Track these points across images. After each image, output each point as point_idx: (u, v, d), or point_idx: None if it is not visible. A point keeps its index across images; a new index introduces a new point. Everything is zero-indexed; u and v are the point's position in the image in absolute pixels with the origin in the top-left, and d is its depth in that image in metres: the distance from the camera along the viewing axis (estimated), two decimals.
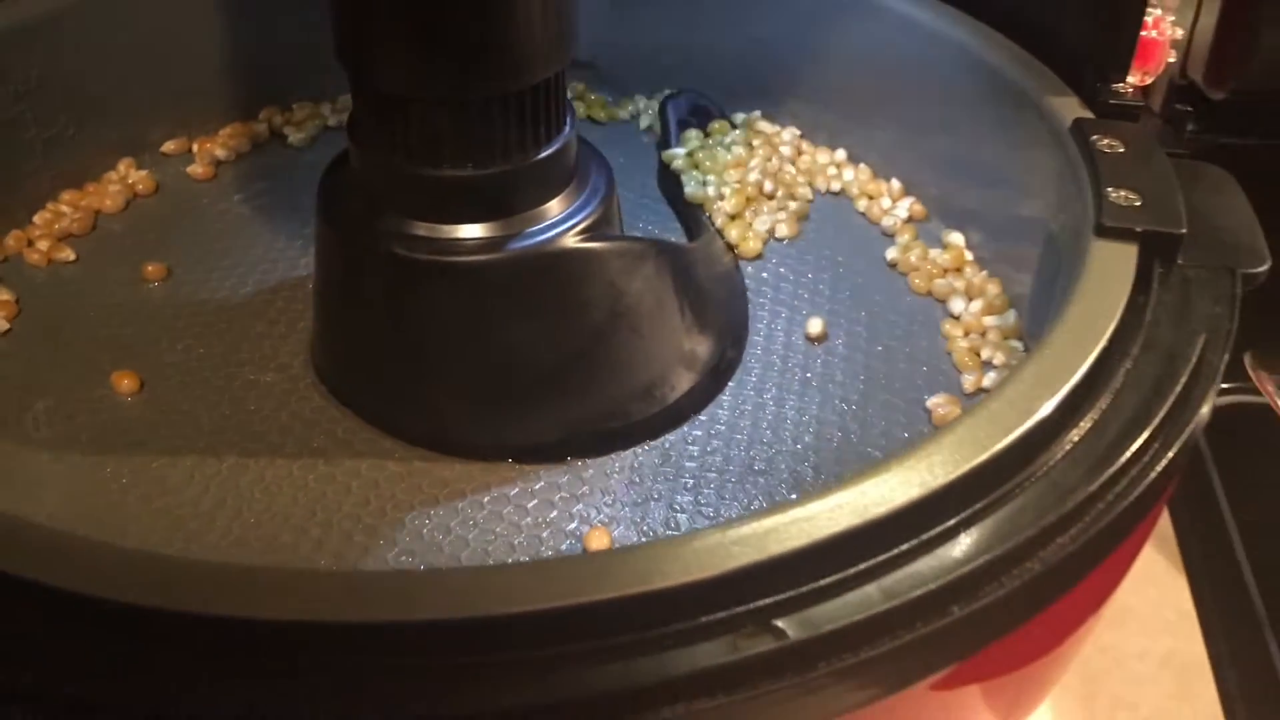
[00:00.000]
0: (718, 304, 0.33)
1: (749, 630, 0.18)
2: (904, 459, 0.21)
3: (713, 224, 0.37)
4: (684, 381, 0.31)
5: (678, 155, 0.40)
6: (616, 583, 0.18)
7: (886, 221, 0.37)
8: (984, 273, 0.35)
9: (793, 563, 0.19)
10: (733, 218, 0.37)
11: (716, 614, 0.18)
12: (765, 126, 0.42)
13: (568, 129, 0.29)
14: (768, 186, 0.38)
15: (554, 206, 0.30)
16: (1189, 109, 0.44)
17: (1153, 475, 0.22)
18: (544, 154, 0.29)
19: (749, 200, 0.38)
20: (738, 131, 0.41)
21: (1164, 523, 0.41)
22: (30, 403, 0.31)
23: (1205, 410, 0.23)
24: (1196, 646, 0.38)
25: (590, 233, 0.29)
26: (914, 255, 0.36)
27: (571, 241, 0.29)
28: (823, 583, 0.19)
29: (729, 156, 0.39)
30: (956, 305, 0.34)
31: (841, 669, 0.18)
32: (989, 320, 0.33)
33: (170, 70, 0.39)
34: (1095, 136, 0.29)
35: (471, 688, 0.18)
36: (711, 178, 0.38)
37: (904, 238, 0.37)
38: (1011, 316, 0.33)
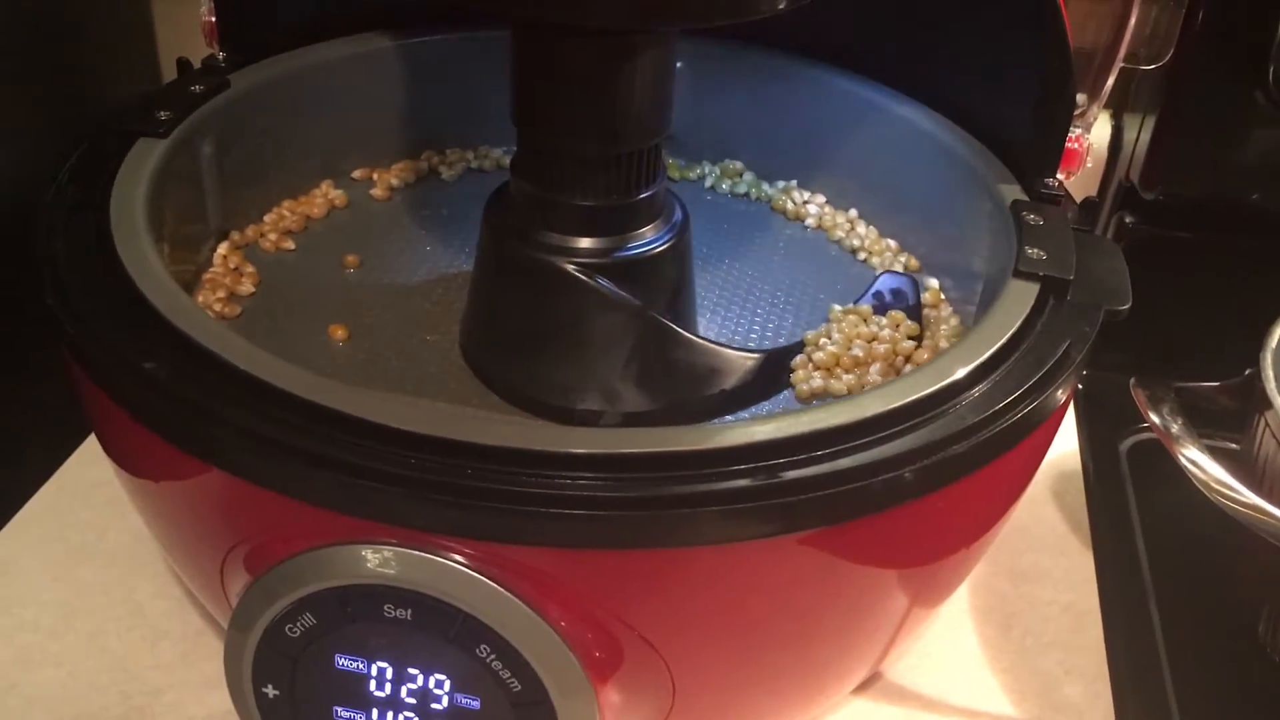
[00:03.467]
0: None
1: (763, 475, 0.31)
2: (866, 395, 0.34)
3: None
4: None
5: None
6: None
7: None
8: (950, 309, 0.48)
9: (797, 443, 0.32)
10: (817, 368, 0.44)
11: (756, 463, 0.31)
12: (797, 195, 0.55)
13: (661, 178, 0.43)
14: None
15: (648, 230, 0.43)
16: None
17: (1019, 417, 0.34)
18: (645, 194, 0.42)
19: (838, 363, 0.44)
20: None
21: (1082, 511, 0.54)
22: (271, 345, 0.44)
23: (1063, 387, 0.36)
24: (1093, 601, 0.50)
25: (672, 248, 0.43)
26: None
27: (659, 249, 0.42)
28: (813, 455, 0.32)
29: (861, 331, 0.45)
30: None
31: (810, 500, 0.31)
32: (947, 342, 0.46)
33: (360, 119, 0.53)
34: (1024, 213, 0.42)
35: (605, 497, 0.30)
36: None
37: None
38: None
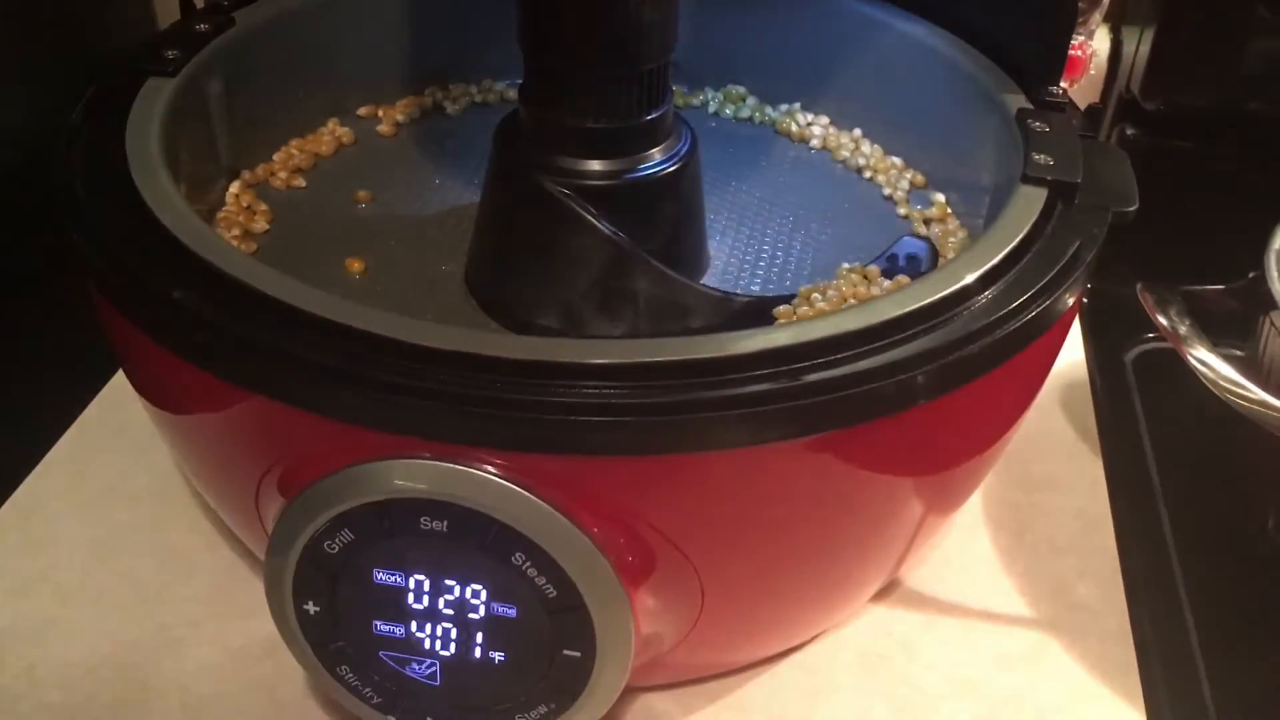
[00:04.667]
0: None
1: (784, 378, 0.32)
2: (880, 300, 0.34)
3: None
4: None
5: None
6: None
7: (896, 191, 0.51)
8: (958, 223, 0.49)
9: (815, 347, 0.32)
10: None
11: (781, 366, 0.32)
12: (801, 118, 0.55)
13: (668, 100, 0.43)
14: None
15: (656, 153, 0.43)
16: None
17: (1033, 316, 0.35)
18: (653, 115, 0.42)
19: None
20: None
21: (1089, 420, 0.55)
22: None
23: (1073, 287, 0.37)
24: (1103, 507, 0.51)
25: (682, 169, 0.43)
26: (912, 213, 0.49)
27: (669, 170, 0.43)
28: (831, 358, 0.33)
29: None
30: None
31: (829, 402, 0.32)
32: (954, 253, 0.47)
33: (364, 55, 0.53)
34: (1030, 120, 0.43)
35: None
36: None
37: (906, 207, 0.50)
38: None
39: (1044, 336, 0.37)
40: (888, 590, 0.47)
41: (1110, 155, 0.43)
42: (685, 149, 0.44)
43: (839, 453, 0.34)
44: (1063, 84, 0.45)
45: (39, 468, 0.50)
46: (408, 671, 0.35)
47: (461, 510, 0.32)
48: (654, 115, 0.42)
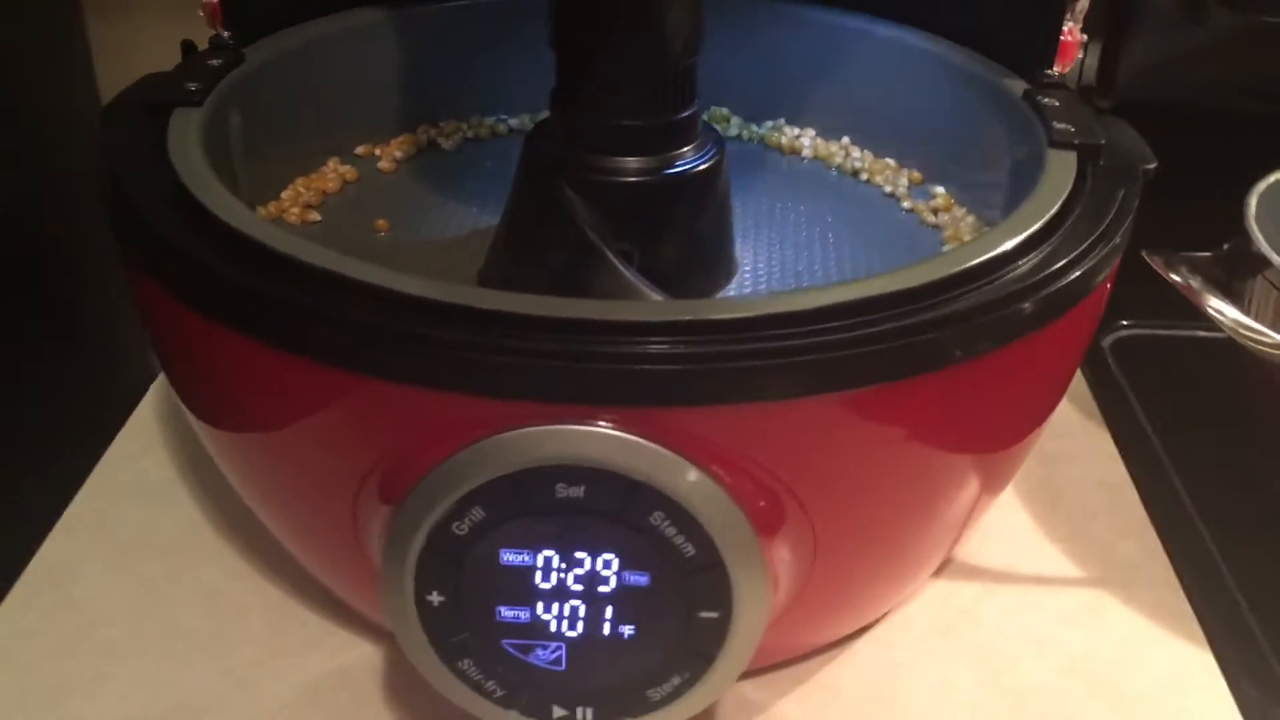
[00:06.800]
0: None
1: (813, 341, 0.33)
2: (916, 265, 0.35)
3: None
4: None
5: None
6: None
7: (897, 188, 0.53)
8: (964, 210, 0.51)
9: (858, 306, 0.33)
10: None
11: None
12: (789, 131, 0.57)
13: (697, 100, 0.44)
14: None
15: (689, 151, 0.44)
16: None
17: (1095, 263, 0.37)
18: (686, 114, 0.43)
19: None
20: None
21: (1088, 398, 0.57)
22: None
23: (1123, 235, 0.39)
24: (1122, 474, 0.53)
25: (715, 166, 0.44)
26: (917, 205, 0.51)
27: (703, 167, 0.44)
28: (860, 319, 0.33)
29: None
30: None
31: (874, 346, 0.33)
32: (970, 236, 0.49)
33: (360, 98, 0.54)
34: (1039, 98, 0.45)
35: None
36: None
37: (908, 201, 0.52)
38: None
39: (1101, 285, 0.39)
40: (941, 566, 0.47)
41: (1113, 124, 0.45)
42: (715, 148, 0.45)
43: (940, 395, 0.35)
44: (1056, 68, 0.48)
45: (58, 527, 0.48)
46: (531, 659, 0.35)
47: (599, 472, 0.32)
48: (686, 114, 0.43)
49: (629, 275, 0.41)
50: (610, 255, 0.41)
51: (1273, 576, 0.49)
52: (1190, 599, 0.46)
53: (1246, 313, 0.52)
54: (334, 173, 0.52)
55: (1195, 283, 0.47)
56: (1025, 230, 0.37)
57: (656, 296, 0.40)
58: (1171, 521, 0.51)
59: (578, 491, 0.32)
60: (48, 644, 0.43)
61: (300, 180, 0.51)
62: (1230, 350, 0.49)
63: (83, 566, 0.46)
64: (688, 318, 0.32)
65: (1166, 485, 0.53)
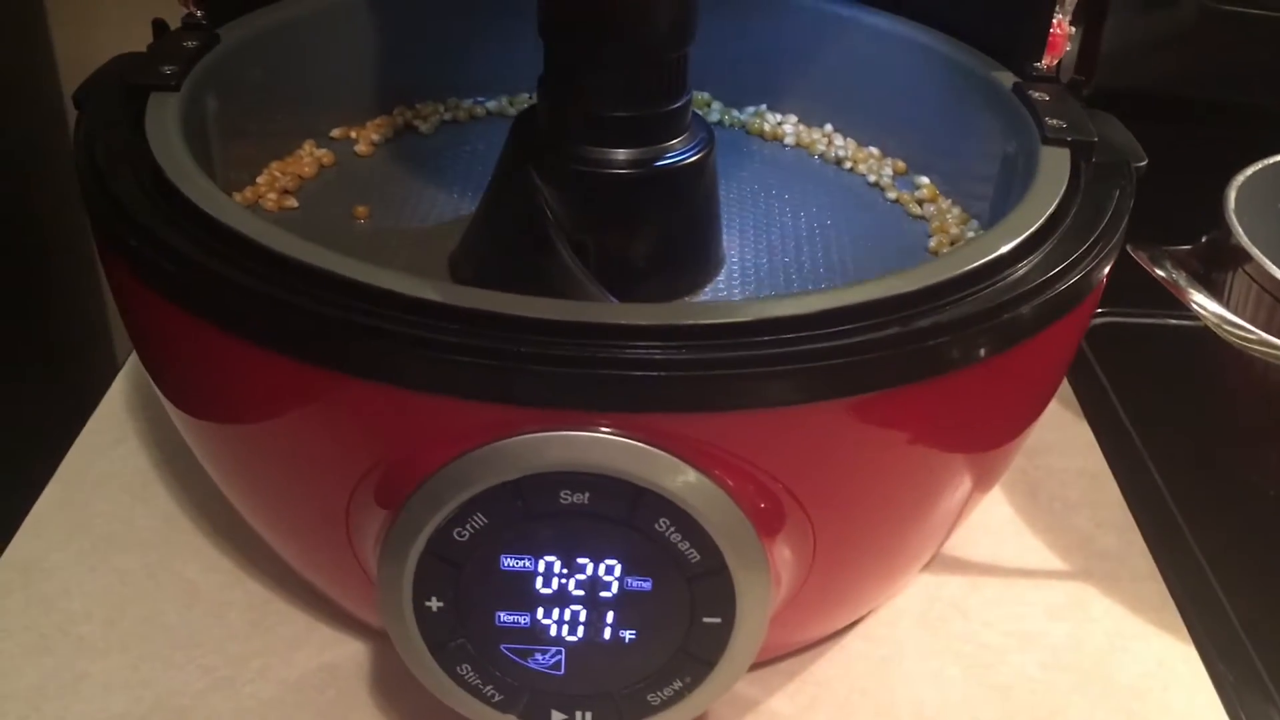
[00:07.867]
0: None
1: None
2: (917, 268, 0.35)
3: None
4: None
5: None
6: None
7: (881, 178, 0.52)
8: (950, 201, 0.51)
9: (862, 310, 0.33)
10: None
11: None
12: (770, 117, 0.57)
13: (688, 91, 0.44)
14: None
15: (679, 142, 0.44)
16: None
17: (1096, 261, 0.37)
18: (677, 105, 0.43)
19: None
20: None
21: (1066, 389, 0.57)
22: None
23: (1122, 232, 0.39)
24: (1101, 464, 0.53)
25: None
26: (901, 195, 0.51)
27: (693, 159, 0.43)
28: (864, 324, 0.33)
29: None
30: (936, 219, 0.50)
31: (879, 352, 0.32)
32: (957, 228, 0.49)
33: (336, 81, 0.52)
34: (1030, 92, 0.45)
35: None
36: None
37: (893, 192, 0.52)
38: (974, 225, 0.49)
39: (1098, 285, 0.39)
40: (929, 562, 0.47)
41: (1103, 120, 0.45)
42: (705, 139, 0.44)
43: (941, 398, 0.35)
44: (1045, 60, 0.48)
45: (26, 523, 0.47)
46: (530, 664, 0.34)
47: (604, 479, 0.31)
48: (678, 104, 0.43)
49: (576, 270, 0.41)
50: (561, 248, 0.40)
51: (1248, 563, 0.49)
52: (1170, 589, 0.47)
53: (1225, 304, 0.53)
54: (310, 157, 0.51)
55: (1181, 278, 0.47)
56: (1024, 231, 0.37)
57: (603, 295, 0.39)
58: (1148, 510, 0.51)
59: (582, 498, 0.32)
60: (26, 641, 0.42)
61: (275, 164, 0.50)
62: (1207, 338, 0.50)
63: (54, 563, 0.45)
64: (690, 323, 0.31)
65: (1143, 473, 0.53)
